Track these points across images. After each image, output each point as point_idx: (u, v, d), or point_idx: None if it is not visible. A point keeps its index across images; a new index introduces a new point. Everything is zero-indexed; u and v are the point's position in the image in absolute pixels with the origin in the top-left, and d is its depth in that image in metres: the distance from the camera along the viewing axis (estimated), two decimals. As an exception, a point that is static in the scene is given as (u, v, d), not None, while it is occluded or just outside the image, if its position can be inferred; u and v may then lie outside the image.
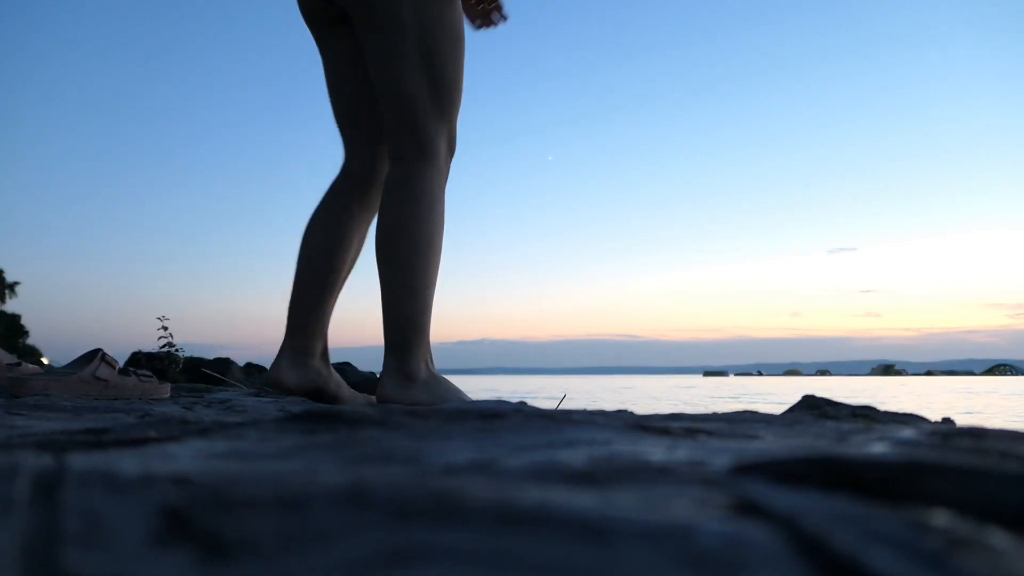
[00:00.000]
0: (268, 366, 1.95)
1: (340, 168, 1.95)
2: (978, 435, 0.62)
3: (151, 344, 5.78)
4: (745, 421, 0.80)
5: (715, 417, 0.84)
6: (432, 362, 1.80)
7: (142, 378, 1.87)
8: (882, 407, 1.05)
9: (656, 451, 0.54)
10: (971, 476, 0.37)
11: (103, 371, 1.80)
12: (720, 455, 0.52)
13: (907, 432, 0.67)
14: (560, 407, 1.40)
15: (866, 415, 1.00)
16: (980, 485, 0.36)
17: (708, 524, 0.31)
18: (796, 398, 1.17)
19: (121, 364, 1.90)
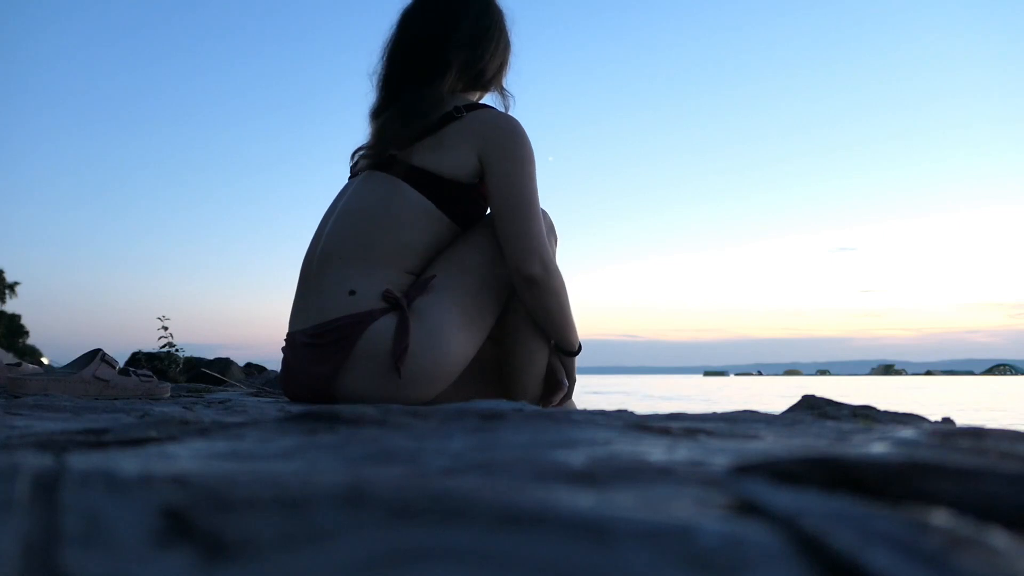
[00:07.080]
0: (268, 366, 1.95)
1: None
2: (978, 435, 0.62)
3: (151, 344, 5.80)
4: (745, 421, 0.80)
5: (715, 417, 0.84)
6: None
7: (142, 378, 1.87)
8: (882, 407, 1.05)
9: (656, 451, 0.54)
10: (971, 476, 0.37)
11: (103, 371, 1.80)
12: (720, 455, 0.52)
13: (907, 432, 0.67)
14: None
15: (866, 415, 1.00)
16: (980, 485, 0.36)
17: (708, 524, 0.31)
18: (796, 398, 1.17)
19: (121, 364, 1.90)
